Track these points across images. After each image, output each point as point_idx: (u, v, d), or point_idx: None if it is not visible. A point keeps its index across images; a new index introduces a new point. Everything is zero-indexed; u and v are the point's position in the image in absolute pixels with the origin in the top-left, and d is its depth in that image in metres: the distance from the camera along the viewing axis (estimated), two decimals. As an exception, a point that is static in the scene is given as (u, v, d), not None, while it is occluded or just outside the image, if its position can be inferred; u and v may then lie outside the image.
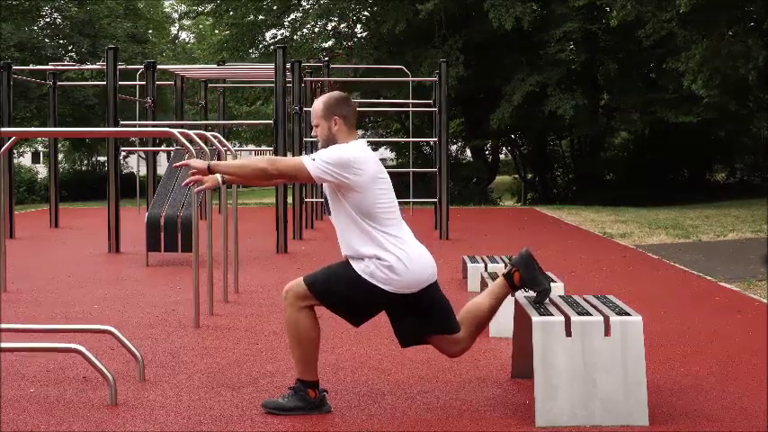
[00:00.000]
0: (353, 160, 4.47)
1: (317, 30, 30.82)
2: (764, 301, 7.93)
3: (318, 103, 4.69)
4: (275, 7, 30.90)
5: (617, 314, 4.47)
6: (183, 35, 46.54)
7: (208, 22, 37.57)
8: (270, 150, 17.84)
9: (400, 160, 33.74)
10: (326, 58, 22.40)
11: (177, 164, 5.05)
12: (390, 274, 4.46)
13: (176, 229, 10.53)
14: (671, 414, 4.56)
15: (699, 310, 7.62)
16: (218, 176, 4.83)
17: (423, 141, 27.02)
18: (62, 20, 31.37)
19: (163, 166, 18.65)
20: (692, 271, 9.94)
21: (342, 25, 30.76)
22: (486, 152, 33.51)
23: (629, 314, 4.48)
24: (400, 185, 18.36)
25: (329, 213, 4.65)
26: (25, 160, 41.17)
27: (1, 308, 7.46)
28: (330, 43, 31.30)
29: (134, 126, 14.98)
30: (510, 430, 4.34)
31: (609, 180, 31.57)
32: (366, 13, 31.28)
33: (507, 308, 5.31)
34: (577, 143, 31.63)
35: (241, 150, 31.36)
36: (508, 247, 10.73)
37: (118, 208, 12.17)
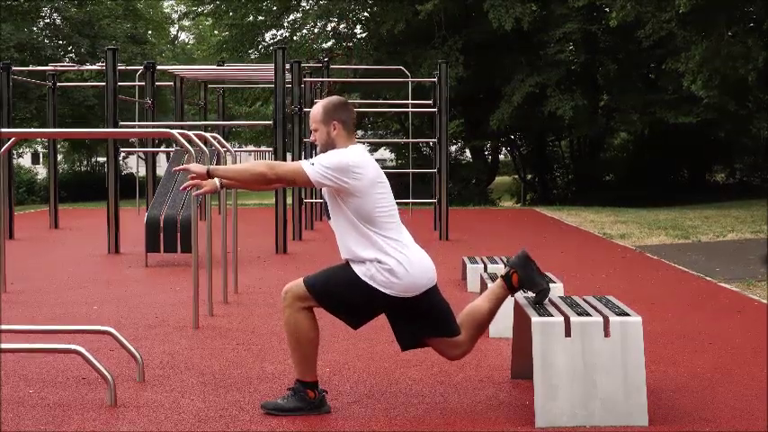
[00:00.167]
0: (353, 165, 4.47)
1: (316, 30, 30.81)
2: (764, 301, 7.93)
3: (317, 108, 4.69)
4: (275, 8, 30.88)
5: (617, 315, 4.47)
6: (183, 36, 46.56)
7: (207, 23, 37.56)
8: (269, 151, 17.82)
9: (400, 161, 33.73)
10: (326, 59, 22.37)
11: (177, 168, 5.04)
12: (391, 278, 4.47)
13: (176, 229, 10.52)
14: (671, 414, 4.56)
15: (699, 310, 7.62)
16: (217, 181, 4.83)
17: (422, 142, 27.02)
18: (62, 20, 31.35)
19: (162, 167, 18.65)
20: (691, 271, 9.94)
21: (341, 26, 30.74)
22: (486, 153, 33.50)
23: (629, 315, 4.48)
24: (400, 186, 18.37)
25: (329, 218, 4.65)
26: (25, 161, 41.16)
27: (1, 308, 7.46)
28: (330, 44, 31.29)
29: (133, 127, 14.99)
30: (510, 430, 4.34)
31: (608, 181, 31.56)
32: (366, 14, 31.27)
33: (507, 308, 5.30)
34: (577, 144, 31.62)
35: (240, 151, 31.36)
36: (508, 248, 10.73)
37: (117, 209, 12.17)
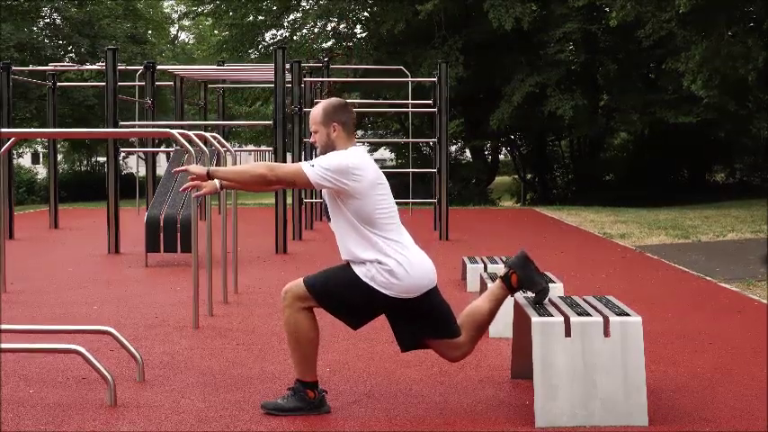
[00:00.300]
0: (352, 166, 4.47)
1: (316, 30, 30.80)
2: (764, 301, 7.93)
3: (317, 110, 4.69)
4: (275, 8, 30.89)
5: (617, 315, 4.47)
6: (183, 36, 46.55)
7: (207, 23, 37.56)
8: (269, 151, 17.82)
9: (400, 161, 33.72)
10: (326, 59, 22.38)
11: (177, 169, 5.05)
12: (391, 279, 4.47)
13: (176, 229, 10.52)
14: (671, 414, 4.56)
15: (699, 310, 7.62)
16: (217, 182, 4.83)
17: (422, 142, 27.01)
18: (62, 20, 31.33)
19: (162, 167, 18.65)
20: (691, 271, 9.94)
21: (341, 26, 30.74)
22: (486, 152, 33.49)
23: (629, 315, 4.48)
24: (400, 186, 18.39)
25: (329, 220, 4.65)
26: (25, 161, 41.16)
27: (1, 308, 7.46)
28: (330, 44, 31.30)
29: (133, 127, 14.99)
30: (510, 430, 4.34)
31: (608, 180, 31.56)
32: (366, 14, 31.26)
33: (507, 308, 5.31)
34: (577, 144, 31.62)
35: (240, 151, 31.35)
36: (508, 248, 10.73)
37: (117, 208, 12.16)
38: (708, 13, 18.85)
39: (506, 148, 35.20)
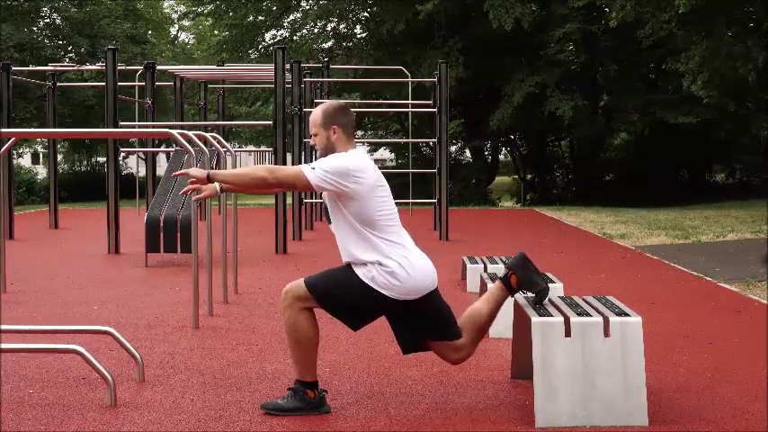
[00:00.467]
0: (353, 169, 4.47)
1: (316, 30, 30.81)
2: (764, 301, 7.93)
3: (317, 112, 4.70)
4: (275, 8, 30.90)
5: (616, 315, 4.47)
6: (183, 36, 46.53)
7: (207, 23, 37.56)
8: (269, 151, 17.83)
9: (400, 161, 33.73)
10: (326, 59, 22.40)
11: (177, 172, 5.05)
12: (392, 280, 4.47)
13: (176, 229, 10.53)
14: (671, 414, 4.56)
15: (699, 310, 7.62)
16: (217, 185, 4.83)
17: (422, 142, 27.02)
18: (61, 20, 31.33)
19: (162, 167, 18.66)
20: (691, 271, 9.94)
21: (341, 26, 30.76)
22: (486, 153, 33.50)
23: (629, 315, 4.48)
24: (400, 186, 18.40)
25: (330, 222, 4.65)
26: (25, 161, 41.15)
27: (1, 308, 7.46)
28: (329, 44, 31.31)
29: (133, 127, 14.99)
30: (510, 430, 4.34)
31: (608, 181, 31.56)
32: (365, 14, 31.27)
33: (507, 309, 5.30)
34: (577, 144, 31.62)
35: (240, 151, 31.34)
36: (507, 248, 10.73)
37: (117, 209, 12.16)
38: (708, 14, 18.85)
39: (506, 149, 35.21)
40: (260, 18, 31.12)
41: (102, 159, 33.18)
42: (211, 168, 8.72)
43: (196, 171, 4.77)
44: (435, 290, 4.62)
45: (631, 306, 4.85)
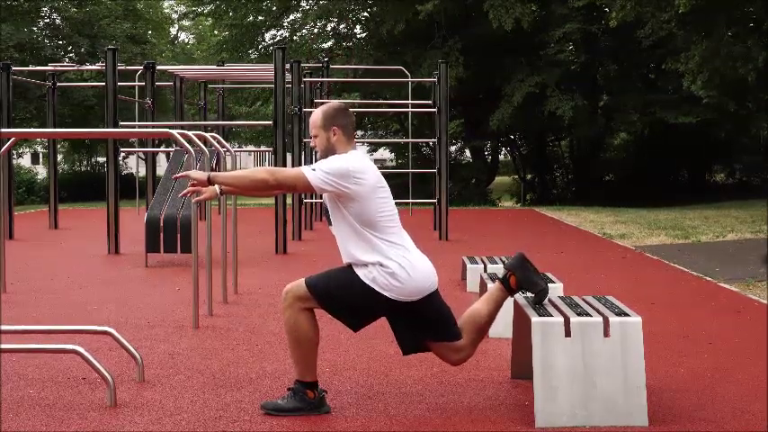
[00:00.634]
0: (353, 170, 4.48)
1: (316, 30, 30.81)
2: (764, 301, 7.94)
3: (317, 114, 4.70)
4: (275, 8, 30.90)
5: (616, 315, 4.47)
6: (183, 36, 46.52)
7: (207, 23, 37.56)
8: (269, 151, 17.84)
9: (400, 161, 33.72)
10: (326, 59, 22.40)
11: (177, 174, 5.05)
12: (392, 281, 4.47)
13: (176, 229, 10.53)
14: (671, 414, 4.56)
15: (699, 310, 7.62)
16: (217, 188, 4.83)
17: (422, 142, 27.01)
18: (61, 20, 31.32)
19: (162, 167, 18.65)
20: (691, 271, 9.94)
21: (341, 26, 30.75)
22: (486, 153, 33.50)
23: (629, 315, 4.48)
24: (400, 186, 18.39)
25: (330, 224, 4.65)
26: (24, 161, 41.12)
27: (1, 308, 7.46)
28: (329, 44, 31.30)
29: (133, 127, 14.99)
30: (510, 430, 4.34)
31: (608, 181, 31.56)
32: (365, 14, 31.28)
33: (507, 309, 5.30)
34: (577, 144, 31.63)
35: (240, 151, 31.36)
36: (507, 248, 10.73)
37: (117, 209, 12.16)
38: (708, 14, 18.86)
39: (506, 149, 35.22)
40: (260, 18, 31.12)
41: (102, 159, 33.17)
42: (211, 169, 8.73)
43: (196, 173, 4.77)
44: (436, 291, 4.63)
45: (631, 306, 4.85)
